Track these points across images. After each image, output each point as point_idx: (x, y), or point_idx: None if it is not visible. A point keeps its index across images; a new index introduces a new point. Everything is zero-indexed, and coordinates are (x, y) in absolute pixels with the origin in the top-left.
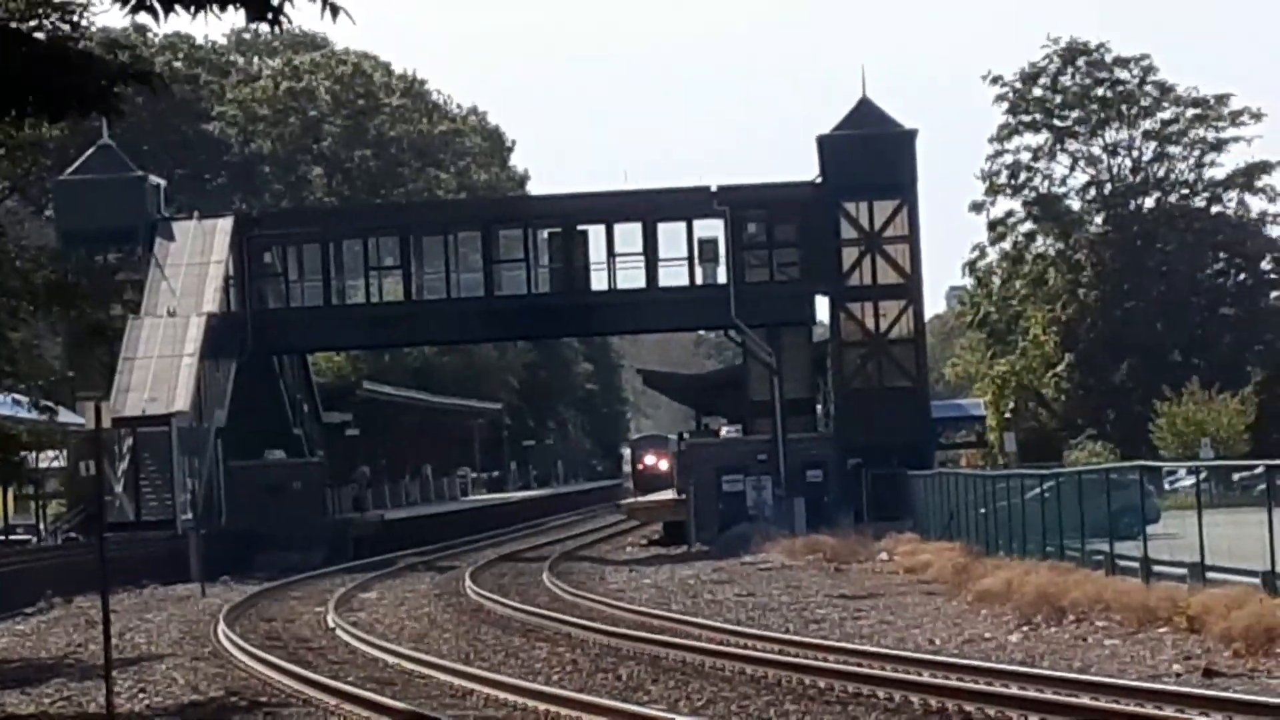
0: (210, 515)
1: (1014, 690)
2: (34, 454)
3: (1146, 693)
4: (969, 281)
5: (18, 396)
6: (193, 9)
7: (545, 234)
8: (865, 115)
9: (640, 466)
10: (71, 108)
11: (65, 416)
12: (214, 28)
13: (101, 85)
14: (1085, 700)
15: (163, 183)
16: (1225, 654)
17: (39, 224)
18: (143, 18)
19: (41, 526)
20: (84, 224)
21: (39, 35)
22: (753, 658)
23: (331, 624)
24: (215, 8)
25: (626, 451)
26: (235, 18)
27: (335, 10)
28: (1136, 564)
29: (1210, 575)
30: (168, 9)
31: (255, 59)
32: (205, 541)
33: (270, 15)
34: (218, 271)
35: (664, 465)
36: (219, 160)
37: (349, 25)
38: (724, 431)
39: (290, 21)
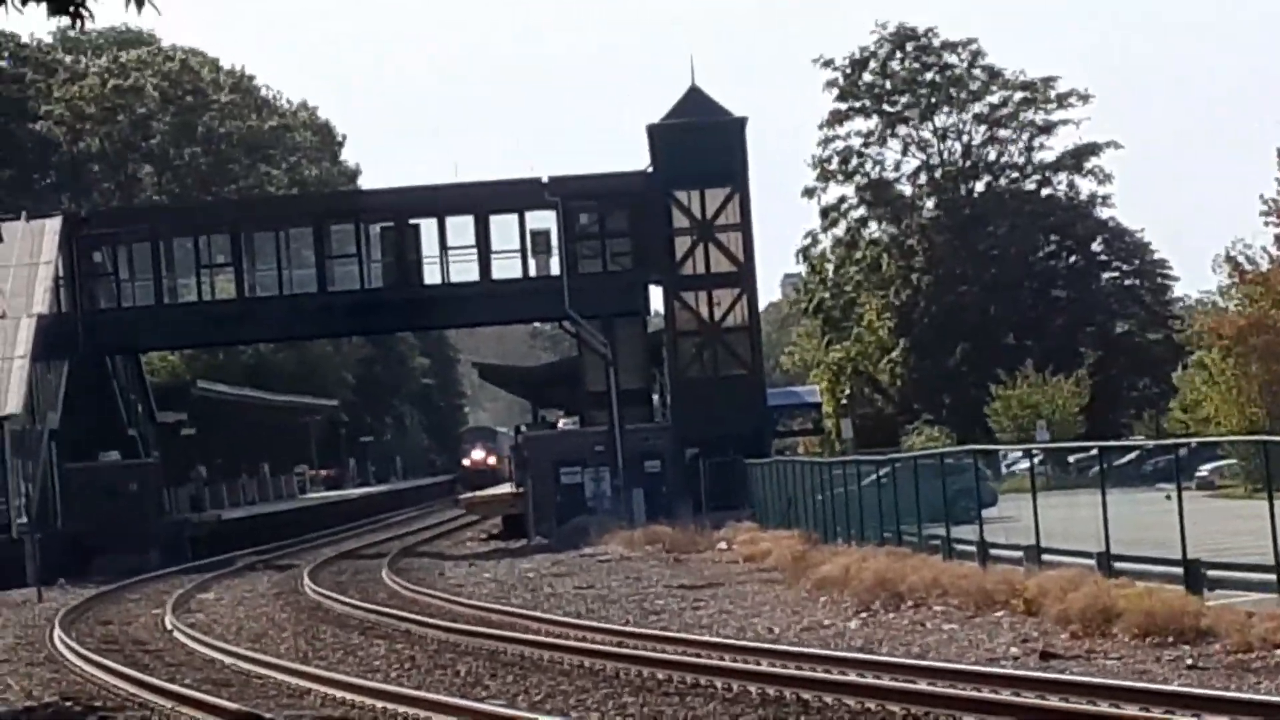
0: (45, 518)
1: (852, 677)
2: None
3: (984, 676)
4: (803, 268)
5: None
6: None
7: (377, 228)
8: (695, 104)
9: (467, 462)
10: None
11: None
12: (39, 25)
13: None
14: (923, 685)
15: None
16: (1062, 636)
17: None
18: None
19: None
20: None
21: None
22: (591, 650)
23: (169, 625)
24: (15, 3)
25: None
26: (38, 12)
27: (140, 2)
28: (973, 548)
29: (1046, 558)
30: None
31: (82, 57)
32: (41, 545)
33: (71, 9)
34: (47, 272)
35: (491, 460)
36: (47, 160)
37: (176, 20)
38: (561, 424)
39: (92, 17)
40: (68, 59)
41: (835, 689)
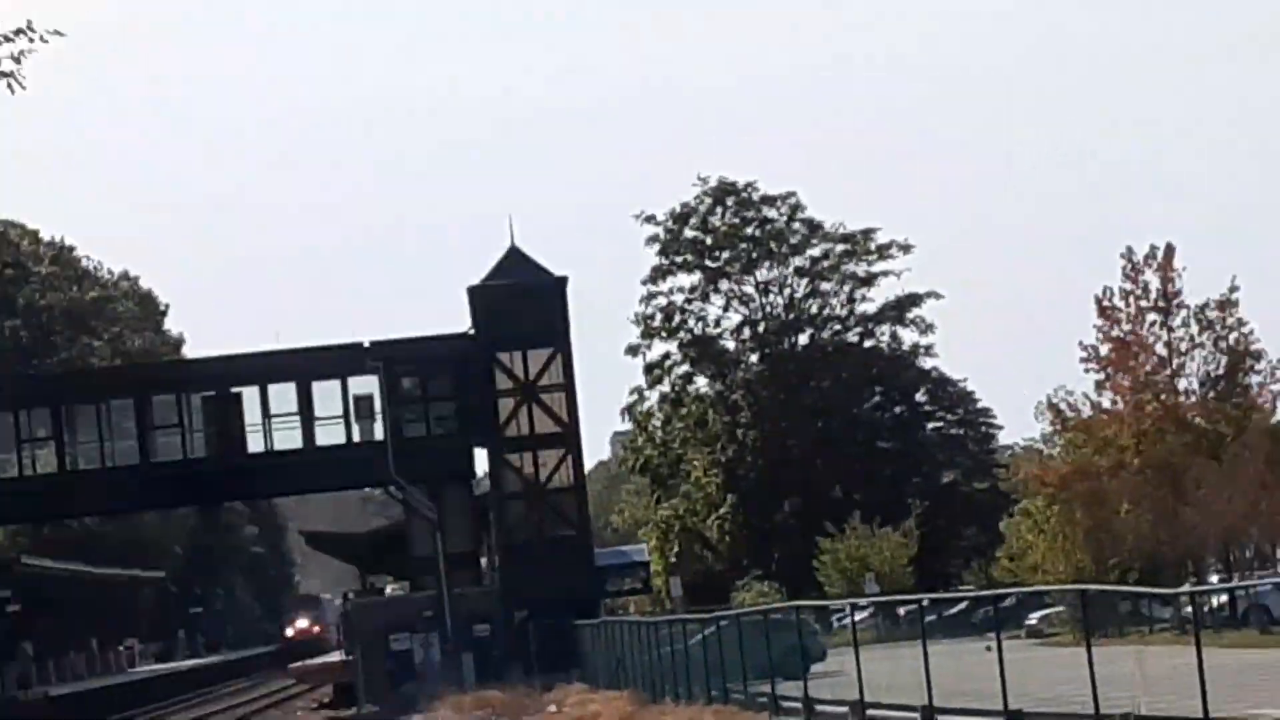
0: None
1: None
2: None
3: None
4: (630, 426)
5: None
6: None
7: (199, 398)
8: (515, 264)
9: (291, 632)
10: None
11: None
12: None
13: None
14: None
15: None
16: None
17: None
18: None
19: None
20: None
21: None
22: None
23: None
24: None
25: None
26: None
27: None
28: (799, 704)
29: (871, 712)
30: None
31: None
32: None
33: None
34: None
35: (316, 628)
36: None
37: None
38: (390, 589)
39: None
40: None
41: None
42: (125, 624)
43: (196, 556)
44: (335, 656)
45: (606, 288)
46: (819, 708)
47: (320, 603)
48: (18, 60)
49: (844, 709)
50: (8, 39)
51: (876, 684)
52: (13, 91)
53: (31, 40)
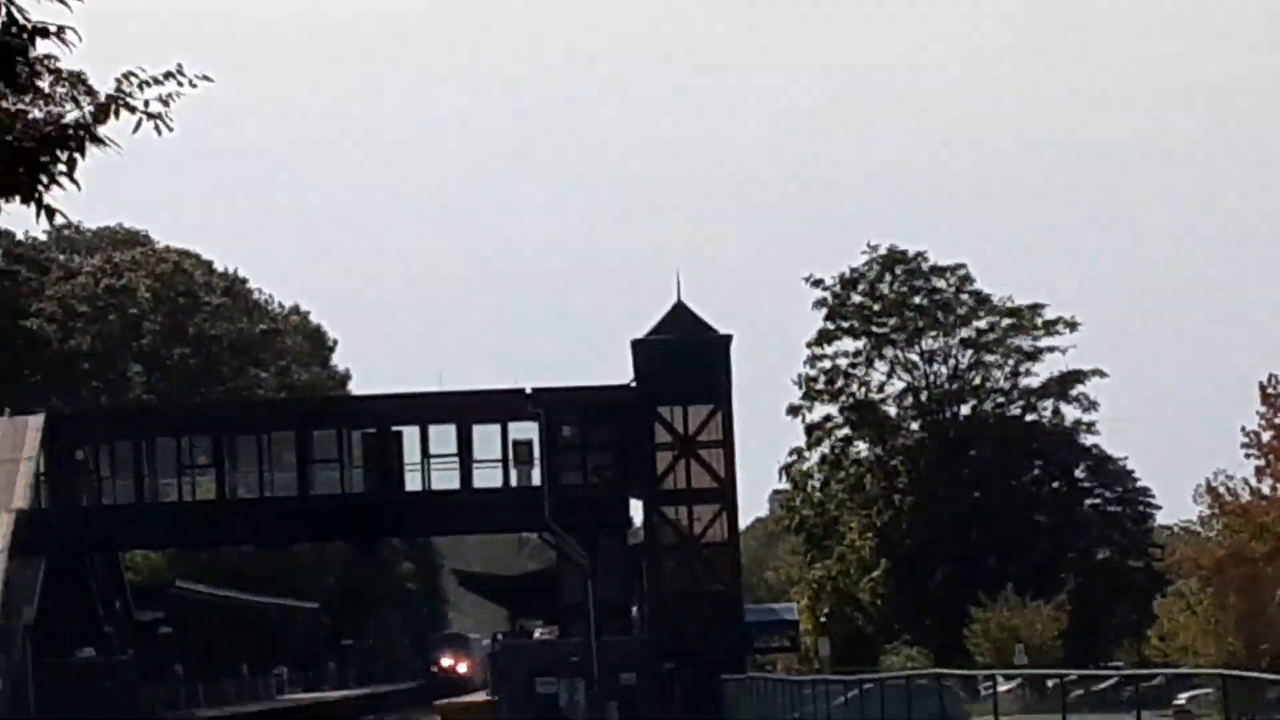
0: (19, 713)
1: None
2: None
3: None
4: (787, 485)
5: None
6: None
7: (360, 434)
8: (680, 320)
9: (435, 669)
10: None
11: None
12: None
13: None
14: None
15: None
16: None
17: None
18: None
19: None
20: None
21: None
22: None
23: None
24: None
25: None
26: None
27: (50, 213)
28: None
29: None
30: None
31: (76, 256)
32: None
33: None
34: (28, 468)
35: (462, 666)
36: (38, 357)
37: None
38: (539, 633)
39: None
40: (61, 257)
41: None
42: (276, 652)
43: (350, 589)
44: (481, 696)
45: (767, 347)
46: None
47: (468, 642)
48: (165, 103)
49: None
50: (157, 81)
51: None
52: (159, 133)
53: (180, 84)
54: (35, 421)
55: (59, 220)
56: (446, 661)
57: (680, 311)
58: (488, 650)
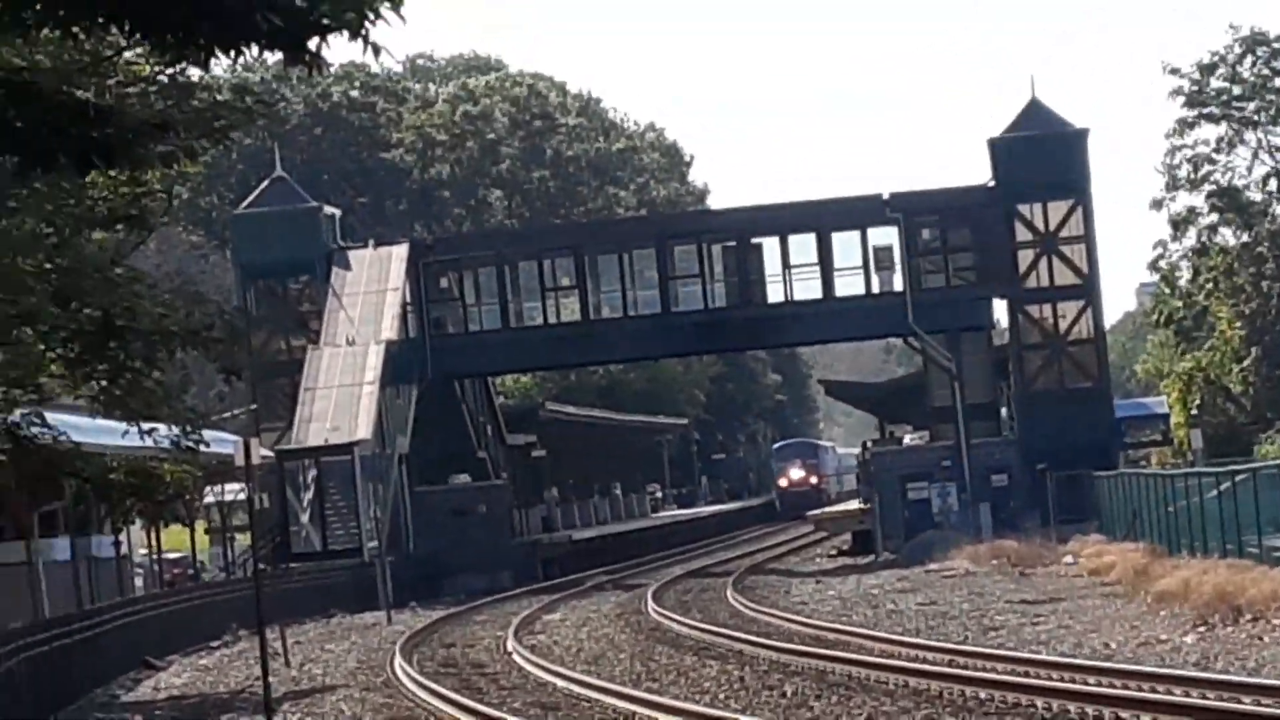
0: (396, 542)
1: (1176, 696)
2: (218, 487)
3: None
4: (1155, 279)
5: (163, 432)
6: (232, 53)
7: (720, 248)
8: (1035, 116)
9: (784, 482)
10: (92, 161)
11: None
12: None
13: (126, 138)
14: (1247, 705)
15: (338, 212)
16: None
17: (222, 260)
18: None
19: (229, 560)
20: (261, 256)
21: (79, 93)
22: (918, 670)
23: (510, 648)
24: (254, 51)
25: None
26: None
27: (377, 50)
28: None
29: None
30: (208, 57)
31: (431, 85)
32: (392, 568)
33: (307, 58)
34: (395, 298)
35: (813, 479)
36: (399, 187)
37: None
38: (908, 439)
39: (328, 65)
40: (417, 87)
41: (1157, 708)
42: (647, 470)
43: (719, 404)
44: (854, 504)
45: (1125, 140)
46: None
47: (818, 449)
48: None
49: None
50: None
51: None
52: None
53: None
54: (399, 251)
55: (404, 53)
56: (795, 474)
57: (1036, 108)
58: (840, 458)
